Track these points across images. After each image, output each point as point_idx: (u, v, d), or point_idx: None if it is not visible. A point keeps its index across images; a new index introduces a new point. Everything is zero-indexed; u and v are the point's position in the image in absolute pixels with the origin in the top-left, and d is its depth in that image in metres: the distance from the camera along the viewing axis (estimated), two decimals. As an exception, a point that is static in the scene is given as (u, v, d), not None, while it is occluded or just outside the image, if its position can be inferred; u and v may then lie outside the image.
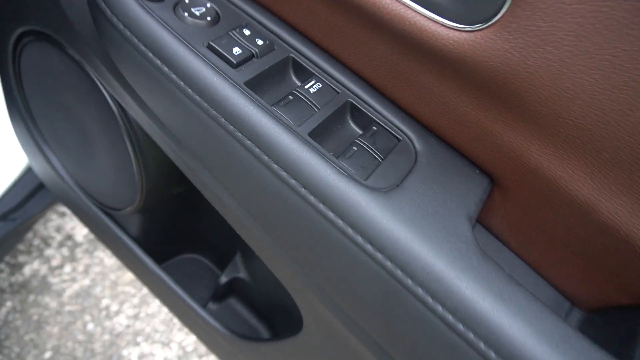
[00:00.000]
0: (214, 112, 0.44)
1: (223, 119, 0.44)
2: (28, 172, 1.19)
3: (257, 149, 0.43)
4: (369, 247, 0.40)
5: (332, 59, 0.50)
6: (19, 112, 0.84)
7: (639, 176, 0.36)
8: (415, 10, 0.39)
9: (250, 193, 0.47)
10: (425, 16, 0.39)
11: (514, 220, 0.48)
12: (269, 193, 0.45)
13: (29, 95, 0.80)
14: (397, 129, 0.47)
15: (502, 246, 0.52)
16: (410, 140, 0.47)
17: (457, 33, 0.38)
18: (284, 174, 0.42)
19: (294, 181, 0.42)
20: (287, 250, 0.49)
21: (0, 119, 1.19)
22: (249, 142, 0.43)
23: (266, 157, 0.43)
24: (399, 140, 0.47)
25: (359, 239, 0.41)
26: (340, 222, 0.41)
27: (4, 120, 1.18)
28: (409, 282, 0.39)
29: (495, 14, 0.35)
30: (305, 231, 0.44)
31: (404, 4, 0.40)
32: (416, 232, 0.40)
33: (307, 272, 0.48)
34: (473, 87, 0.40)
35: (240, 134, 0.43)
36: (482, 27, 0.36)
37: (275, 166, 0.43)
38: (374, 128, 0.47)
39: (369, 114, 0.48)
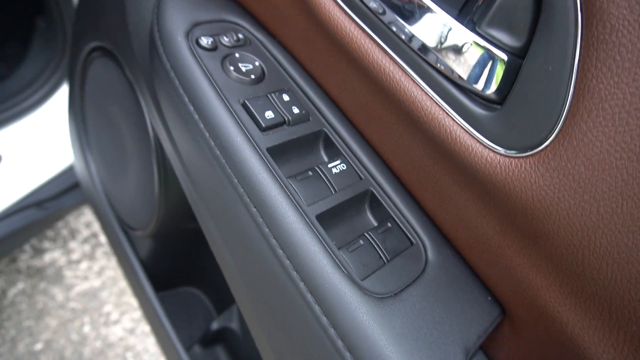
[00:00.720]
0: (229, 170, 0.43)
1: (235, 180, 0.43)
2: (71, 169, 1.24)
3: (261, 219, 0.41)
4: (347, 355, 0.37)
5: (364, 142, 0.48)
6: (75, 115, 0.89)
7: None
8: (453, 119, 0.37)
9: (245, 257, 0.45)
10: (462, 127, 0.37)
11: (520, 362, 0.43)
12: (262, 265, 0.42)
13: (87, 102, 0.84)
14: (412, 231, 0.44)
15: (503, 385, 0.46)
16: (424, 247, 0.43)
17: (491, 153, 0.35)
18: (280, 251, 0.40)
19: (288, 262, 0.40)
20: (269, 328, 0.45)
21: (61, 118, 1.27)
22: (254, 209, 0.42)
23: (267, 230, 0.41)
24: (411, 243, 0.43)
25: (339, 343, 0.37)
26: (324, 320, 0.38)
27: (63, 120, 1.26)
28: None
29: (536, 146, 0.32)
30: (288, 316, 0.41)
31: (444, 110, 0.38)
32: (401, 354, 0.36)
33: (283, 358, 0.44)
34: (500, 212, 0.37)
35: (247, 199, 0.42)
36: (519, 155, 0.33)
37: (274, 241, 0.40)
38: (389, 224, 0.44)
39: (387, 208, 0.45)
